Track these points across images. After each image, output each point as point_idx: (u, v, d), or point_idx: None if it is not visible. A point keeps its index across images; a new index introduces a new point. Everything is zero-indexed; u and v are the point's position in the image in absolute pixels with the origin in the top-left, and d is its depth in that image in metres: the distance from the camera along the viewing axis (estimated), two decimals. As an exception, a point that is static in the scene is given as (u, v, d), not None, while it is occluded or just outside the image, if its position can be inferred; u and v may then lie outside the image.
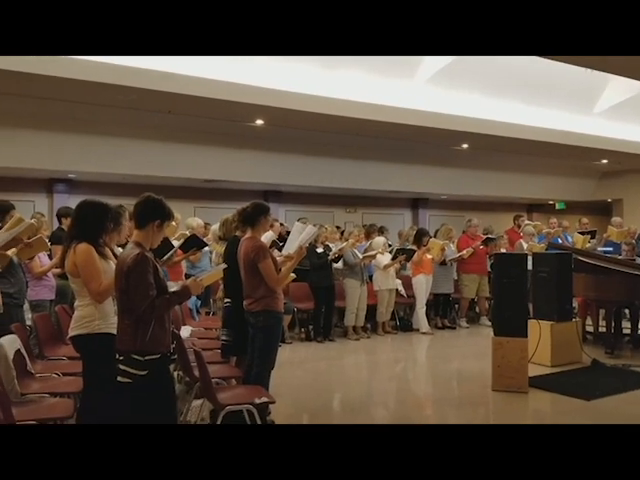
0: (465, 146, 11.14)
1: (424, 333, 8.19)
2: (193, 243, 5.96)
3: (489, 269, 8.78)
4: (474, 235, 8.91)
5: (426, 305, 8.33)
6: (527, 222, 10.07)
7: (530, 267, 5.99)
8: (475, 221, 9.03)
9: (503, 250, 8.70)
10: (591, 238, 9.42)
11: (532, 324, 5.92)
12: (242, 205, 4.28)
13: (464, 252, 8.52)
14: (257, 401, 3.45)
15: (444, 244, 8.35)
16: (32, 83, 6.87)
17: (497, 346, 5.30)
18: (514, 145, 10.73)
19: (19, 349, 3.58)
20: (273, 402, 3.59)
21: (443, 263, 8.45)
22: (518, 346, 5.24)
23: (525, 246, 8.62)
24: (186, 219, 7.43)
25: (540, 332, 6.08)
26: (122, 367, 2.81)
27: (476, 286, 8.72)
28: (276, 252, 5.43)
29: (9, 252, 3.17)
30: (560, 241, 9.22)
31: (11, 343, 3.51)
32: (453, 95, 9.21)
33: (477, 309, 9.33)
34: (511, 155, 11.92)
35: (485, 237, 8.83)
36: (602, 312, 7.28)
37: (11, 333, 3.83)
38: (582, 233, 9.46)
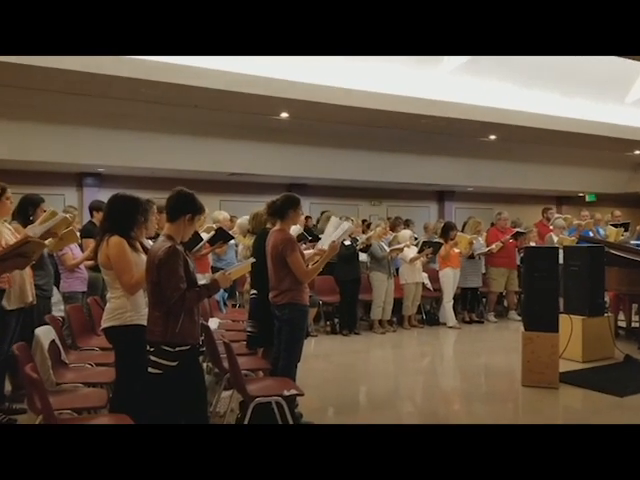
0: (493, 137, 10.99)
1: (451, 327, 8.13)
2: (220, 236, 6.00)
3: (518, 263, 8.67)
4: (504, 228, 8.78)
5: (453, 299, 8.26)
6: (556, 215, 9.90)
7: (561, 261, 5.88)
8: (505, 214, 8.90)
9: (532, 243, 8.56)
10: (625, 231, 9.20)
11: (563, 319, 5.82)
12: (266, 198, 4.28)
13: (493, 246, 8.41)
14: (286, 393, 3.46)
15: (472, 238, 8.26)
16: (62, 79, 6.98)
17: (527, 341, 5.22)
18: (543, 136, 10.55)
19: (54, 340, 3.65)
20: (302, 394, 3.59)
21: (471, 257, 8.36)
22: (549, 341, 5.16)
23: (555, 239, 8.47)
24: (212, 212, 7.49)
25: (571, 327, 5.97)
26: (153, 358, 2.85)
27: (505, 280, 8.62)
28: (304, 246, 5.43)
29: (46, 242, 3.23)
30: (591, 234, 9.04)
31: (46, 334, 3.58)
32: (480, 85, 9.08)
33: (505, 303, 9.22)
34: (540, 146, 11.73)
35: (515, 231, 8.70)
36: (635, 306, 7.13)
37: (44, 324, 3.92)
38: (615, 225, 9.25)
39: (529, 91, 9.54)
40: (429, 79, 8.66)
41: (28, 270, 3.90)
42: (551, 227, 9.15)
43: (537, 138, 10.84)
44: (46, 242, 3.25)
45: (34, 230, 2.85)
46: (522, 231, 8.84)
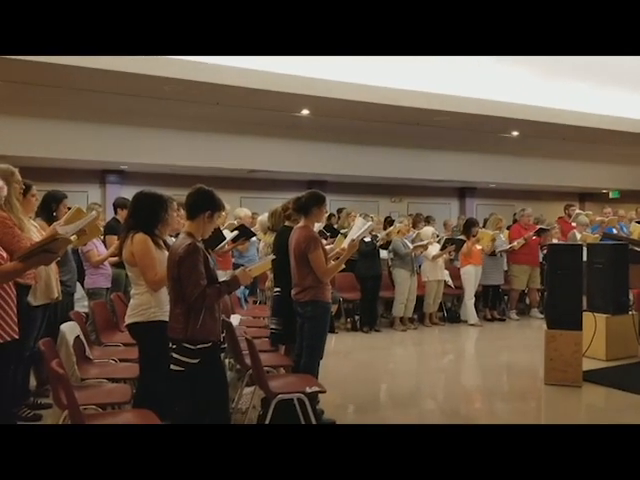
0: (515, 133, 10.86)
1: (472, 325, 8.07)
2: (242, 233, 6.05)
3: (541, 260, 8.57)
4: (527, 225, 8.68)
5: (475, 296, 8.19)
6: (578, 211, 9.77)
7: (584, 258, 5.80)
8: (529, 210, 8.80)
9: (555, 240, 8.46)
10: (649, 228, 9.03)
11: (586, 317, 5.74)
12: (286, 195, 4.27)
13: (515, 243, 8.33)
14: (308, 390, 3.46)
15: (494, 235, 8.18)
16: (86, 77, 7.06)
17: (550, 339, 5.17)
18: (566, 132, 10.40)
19: (78, 335, 3.70)
20: (324, 391, 3.59)
21: (493, 254, 8.28)
22: (572, 339, 5.10)
23: (578, 236, 8.36)
24: (233, 209, 7.53)
25: (595, 325, 5.89)
26: (175, 355, 2.87)
27: (527, 277, 8.53)
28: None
29: (71, 237, 3.28)
30: (615, 231, 8.89)
31: (71, 330, 3.63)
32: (502, 80, 8.97)
33: (527, 301, 9.12)
34: (563, 142, 11.55)
35: (538, 227, 8.59)
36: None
37: (68, 320, 3.98)
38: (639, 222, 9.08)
39: (552, 86, 9.41)
40: (451, 75, 8.58)
41: (53, 266, 3.96)
42: (573, 224, 9.04)
43: (560, 134, 10.68)
44: (76, 236, 3.30)
45: (65, 229, 2.89)
46: (545, 228, 8.74)
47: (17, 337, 2.99)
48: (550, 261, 5.53)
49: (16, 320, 2.98)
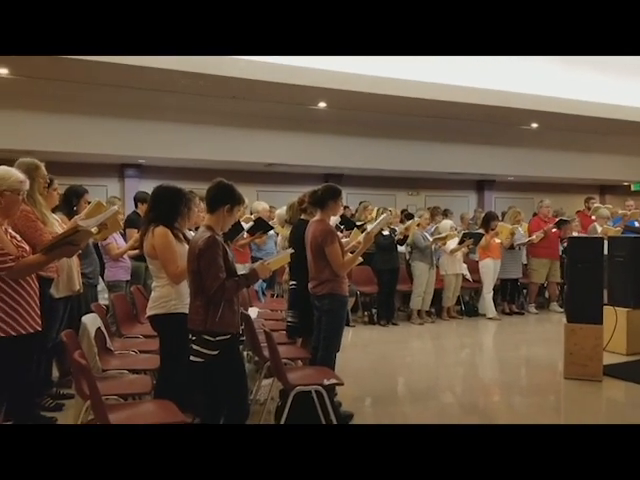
0: (534, 125, 10.73)
1: (491, 319, 8.02)
2: (259, 226, 6.07)
3: (561, 253, 8.48)
4: (546, 217, 8.59)
5: (493, 290, 8.14)
6: (598, 205, 9.64)
7: (605, 251, 5.73)
8: (547, 202, 8.69)
9: (575, 234, 8.36)
10: (673, 221, 8.88)
11: (607, 311, 5.67)
12: (303, 189, 4.27)
13: (534, 237, 8.24)
14: (326, 382, 3.48)
15: (513, 228, 8.11)
16: (106, 73, 7.13)
17: (570, 333, 5.12)
18: (586, 123, 10.26)
19: (99, 327, 3.75)
20: (342, 384, 3.60)
21: (511, 247, 8.21)
22: (592, 333, 5.05)
23: (599, 229, 8.24)
24: (250, 203, 7.55)
25: (616, 319, 5.83)
26: (194, 347, 2.90)
27: (546, 271, 8.44)
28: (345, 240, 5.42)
29: (92, 230, 3.33)
30: (637, 224, 8.75)
31: (93, 321, 3.68)
32: (521, 72, 8.86)
33: (547, 294, 9.03)
34: (583, 134, 11.41)
35: (558, 219, 8.49)
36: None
37: (90, 312, 4.03)
38: (662, 215, 8.94)
39: (572, 77, 9.27)
40: (468, 66, 8.50)
41: (75, 259, 4.02)
42: (593, 217, 8.92)
43: (580, 126, 10.54)
44: (92, 229, 3.34)
45: (86, 223, 2.94)
46: (565, 219, 8.64)
47: (40, 329, 3.04)
48: (570, 254, 5.48)
49: (39, 312, 3.03)
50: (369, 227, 4.43)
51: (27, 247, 2.97)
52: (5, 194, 2.89)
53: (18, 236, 2.99)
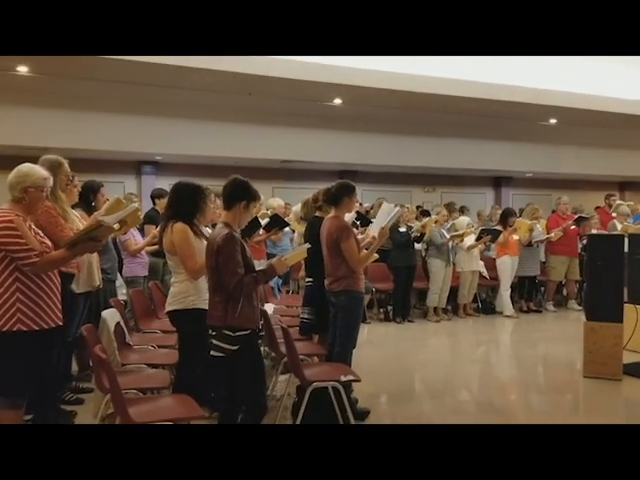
0: (553, 121, 10.62)
1: (508, 316, 7.97)
2: (275, 223, 6.08)
3: (580, 251, 8.39)
4: (565, 214, 8.50)
5: (510, 288, 8.08)
6: (619, 202, 9.51)
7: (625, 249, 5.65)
8: (565, 198, 8.60)
9: (594, 231, 8.26)
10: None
11: (627, 309, 5.59)
12: (318, 185, 4.27)
13: (552, 234, 8.15)
14: (343, 379, 3.48)
15: (532, 224, 8.03)
16: (121, 69, 7.18)
17: (589, 331, 5.07)
18: (606, 119, 10.12)
19: (119, 322, 3.79)
20: (359, 380, 3.61)
21: (529, 244, 8.14)
22: (612, 332, 4.99)
23: (619, 227, 8.15)
24: (266, 200, 7.56)
25: (637, 317, 5.74)
26: (214, 342, 2.92)
27: (565, 268, 8.36)
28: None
29: (114, 226, 3.36)
30: (658, 221, 8.64)
31: (112, 316, 3.72)
32: (539, 67, 8.76)
33: (565, 292, 8.95)
34: (602, 130, 11.25)
35: (577, 216, 8.40)
36: None
37: (109, 307, 4.08)
38: (683, 212, 8.81)
39: (592, 72, 9.15)
40: (485, 61, 8.42)
41: (95, 255, 4.06)
42: (613, 214, 8.81)
43: (600, 121, 10.39)
44: (114, 225, 3.38)
45: (107, 220, 2.97)
46: (585, 216, 8.54)
47: (62, 324, 3.08)
48: (590, 252, 5.42)
49: (61, 307, 3.07)
50: (374, 222, 4.39)
51: (49, 243, 3.00)
52: (29, 191, 2.93)
53: (41, 232, 3.03)
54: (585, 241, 8.08)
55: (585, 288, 5.74)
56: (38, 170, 3.01)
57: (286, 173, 12.01)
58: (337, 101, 9.12)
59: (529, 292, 8.45)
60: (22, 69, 7.41)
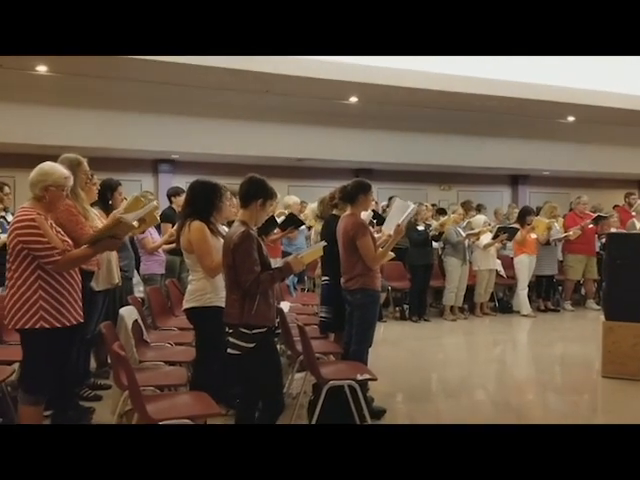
0: (571, 119, 10.50)
1: (525, 315, 7.90)
2: (291, 221, 6.08)
3: (597, 249, 8.30)
4: (583, 213, 8.41)
5: (528, 287, 8.01)
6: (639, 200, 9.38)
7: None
8: (585, 198, 8.52)
9: (613, 230, 8.16)
10: None
11: (647, 308, 5.53)
12: (334, 183, 4.26)
13: (570, 232, 8.06)
14: (359, 377, 3.48)
15: (550, 223, 7.95)
16: (138, 69, 7.23)
17: (608, 331, 5.02)
18: (625, 116, 9.98)
19: (137, 319, 3.83)
20: (375, 379, 3.60)
21: (547, 243, 8.06)
22: (631, 331, 4.93)
23: (638, 225, 8.04)
24: (282, 198, 7.57)
25: (657, 317, 5.67)
26: (231, 340, 2.93)
27: (583, 267, 8.27)
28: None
29: (133, 223, 3.39)
30: (679, 220, 8.50)
31: (130, 314, 3.75)
32: (557, 63, 8.65)
33: (583, 291, 8.85)
34: (622, 127, 11.09)
35: (596, 215, 8.30)
36: None
37: (127, 304, 4.11)
38: None
39: (611, 69, 9.02)
40: (501, 58, 8.33)
41: (114, 253, 4.10)
42: (633, 213, 8.70)
43: (619, 119, 10.25)
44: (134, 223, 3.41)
45: (126, 218, 3.00)
46: (604, 215, 8.44)
47: (82, 321, 3.12)
48: (609, 250, 5.36)
49: (81, 304, 3.11)
50: (389, 217, 4.37)
51: (70, 241, 3.04)
52: (50, 190, 2.96)
53: (61, 230, 3.07)
54: (603, 240, 7.98)
55: (604, 287, 5.66)
56: (59, 169, 3.04)
57: (302, 171, 12.01)
58: (353, 99, 9.11)
59: (547, 291, 8.37)
60: (41, 68, 7.50)
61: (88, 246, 2.97)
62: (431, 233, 7.43)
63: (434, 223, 7.72)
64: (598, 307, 8.20)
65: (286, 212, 6.54)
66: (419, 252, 7.35)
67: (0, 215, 4.81)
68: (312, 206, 7.02)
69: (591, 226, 8.20)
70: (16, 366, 3.52)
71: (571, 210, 8.96)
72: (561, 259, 8.46)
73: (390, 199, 9.12)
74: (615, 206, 10.15)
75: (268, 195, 3.06)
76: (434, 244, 7.73)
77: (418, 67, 8.02)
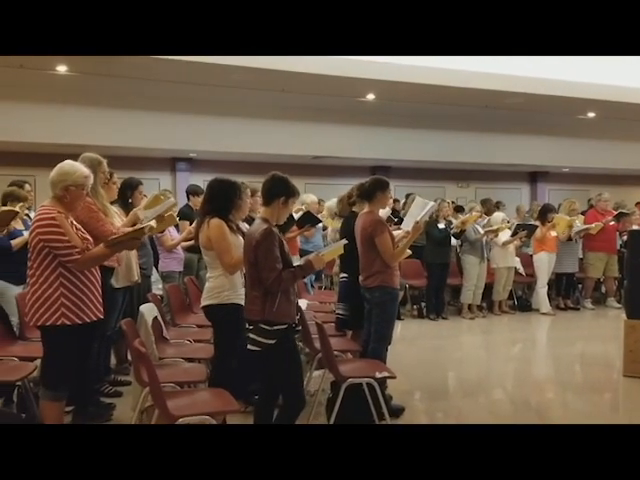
0: (591, 115, 10.36)
1: (544, 314, 7.82)
2: (307, 219, 6.08)
3: (619, 247, 8.18)
4: (604, 210, 8.29)
5: (547, 285, 7.93)
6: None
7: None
8: (606, 195, 8.39)
9: (635, 227, 8.03)
10: None
11: (670, 307, 5.44)
12: (351, 181, 4.25)
13: (593, 225, 7.91)
14: (378, 375, 3.47)
15: (571, 220, 7.84)
16: (156, 68, 7.29)
17: (630, 330, 4.94)
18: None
19: (156, 316, 3.85)
20: (394, 377, 3.59)
21: (569, 239, 7.95)
22: (654, 330, 4.86)
23: (660, 223, 7.92)
24: (300, 196, 7.56)
25: (680, 316, 5.57)
26: (252, 336, 2.95)
27: (603, 265, 8.16)
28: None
29: (152, 222, 3.42)
30: (702, 217, 8.36)
31: (150, 311, 3.78)
32: (577, 59, 8.54)
33: (603, 290, 8.74)
34: (642, 123, 10.94)
35: (618, 212, 8.18)
36: None
37: (146, 302, 4.14)
38: None
39: (631, 64, 8.88)
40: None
41: (134, 251, 4.13)
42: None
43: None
44: (153, 224, 3.44)
45: (145, 214, 3.02)
46: (625, 212, 8.31)
47: (102, 317, 3.15)
48: (631, 248, 5.28)
49: (101, 301, 3.14)
50: (409, 213, 4.35)
51: (91, 239, 3.07)
52: (70, 189, 2.98)
53: (82, 228, 3.10)
54: (625, 237, 7.87)
55: (625, 285, 5.58)
56: (79, 168, 3.06)
57: (318, 169, 12.02)
58: (370, 96, 9.09)
59: (566, 289, 8.27)
60: (61, 68, 7.60)
61: (106, 246, 2.99)
62: (452, 231, 7.37)
63: (455, 221, 7.65)
64: (619, 305, 8.08)
65: (303, 208, 6.54)
66: (437, 250, 7.30)
67: (25, 213, 4.88)
68: (328, 204, 7.00)
69: (612, 223, 8.09)
70: (38, 362, 3.57)
71: (591, 207, 8.84)
72: (581, 257, 8.35)
73: (407, 197, 9.10)
74: (637, 203, 10.00)
75: (290, 193, 3.08)
76: (452, 241, 7.67)
77: (436, 64, 7.97)
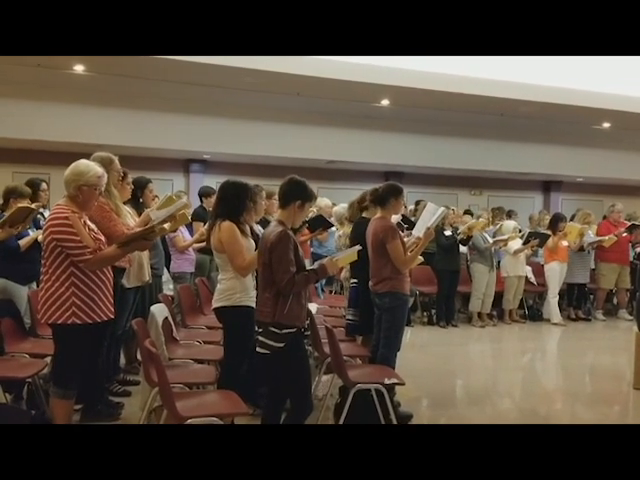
0: (606, 125, 10.29)
1: (555, 324, 7.76)
2: (319, 223, 6.08)
3: (631, 259, 8.11)
4: (617, 221, 8.23)
5: (559, 294, 7.87)
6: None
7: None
8: (619, 206, 8.33)
9: (648, 239, 7.97)
10: None
11: (683, 320, 5.39)
12: (364, 186, 4.25)
13: (605, 238, 7.86)
14: (387, 381, 3.46)
15: (582, 229, 7.79)
16: (172, 69, 7.34)
17: (641, 342, 4.90)
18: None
19: (167, 317, 3.87)
20: (403, 383, 3.58)
21: (581, 249, 7.90)
22: (666, 343, 4.81)
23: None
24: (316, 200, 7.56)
25: (692, 329, 5.51)
26: (261, 339, 2.95)
27: (615, 276, 8.09)
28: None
29: (165, 225, 3.44)
30: None
31: (160, 311, 3.80)
32: (592, 69, 8.49)
33: (615, 301, 8.66)
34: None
35: (630, 223, 8.12)
36: None
37: (157, 302, 4.17)
38: None
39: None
40: (535, 63, 8.21)
41: (145, 251, 4.15)
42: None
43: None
44: (165, 225, 3.46)
45: (157, 214, 3.03)
46: (638, 224, 8.24)
47: (113, 317, 3.17)
48: (644, 260, 5.23)
49: (112, 301, 3.16)
50: (420, 219, 4.35)
51: (103, 239, 3.09)
52: (83, 189, 3.01)
53: (95, 228, 3.12)
54: (637, 249, 7.81)
55: (637, 297, 5.54)
56: (93, 168, 3.07)
57: (332, 173, 12.01)
58: (385, 102, 9.09)
59: (578, 300, 8.22)
60: (78, 68, 7.67)
61: (118, 246, 3.01)
62: (459, 237, 7.34)
63: (461, 227, 7.62)
64: (631, 317, 8.00)
65: (315, 211, 6.53)
66: (446, 257, 7.29)
67: (39, 212, 4.91)
68: (336, 209, 6.98)
69: (625, 235, 8.02)
70: (48, 360, 3.60)
71: (605, 218, 8.78)
72: (593, 267, 8.29)
73: (417, 203, 9.09)
74: (652, 214, 9.91)
75: (307, 197, 3.09)
76: (462, 249, 7.64)
77: (451, 70, 7.96)
